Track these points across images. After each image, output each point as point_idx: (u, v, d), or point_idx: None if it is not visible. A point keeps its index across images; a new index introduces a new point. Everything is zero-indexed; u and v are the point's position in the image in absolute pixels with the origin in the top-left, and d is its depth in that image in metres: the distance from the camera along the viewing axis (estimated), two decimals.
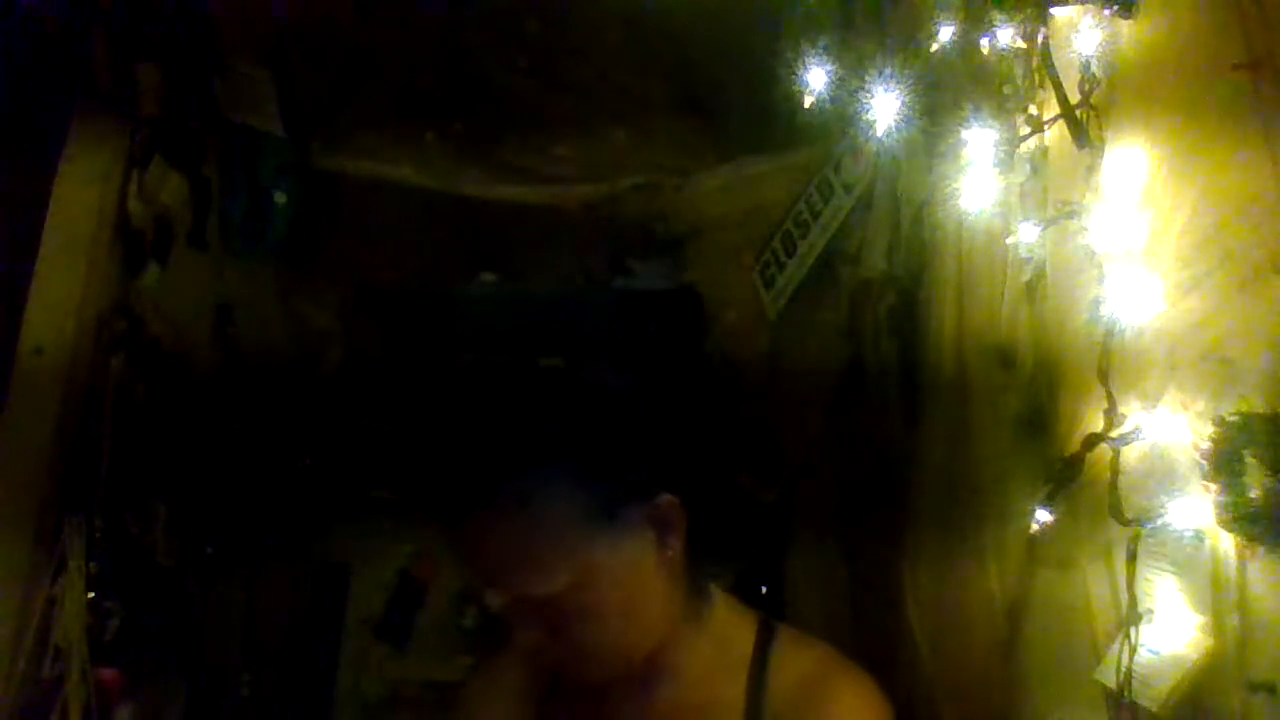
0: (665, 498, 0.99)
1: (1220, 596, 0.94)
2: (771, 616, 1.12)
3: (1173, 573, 0.99)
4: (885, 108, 1.30)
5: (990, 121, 1.27)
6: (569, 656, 0.99)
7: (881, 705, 1.04)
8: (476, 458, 0.94)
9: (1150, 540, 1.00)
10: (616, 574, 0.97)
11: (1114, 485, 1.03)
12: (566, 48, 2.07)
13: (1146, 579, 1.01)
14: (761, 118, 2.13)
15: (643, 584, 1.01)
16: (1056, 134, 1.24)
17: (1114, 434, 1.04)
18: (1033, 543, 1.26)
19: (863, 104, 1.31)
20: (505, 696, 1.15)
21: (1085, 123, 1.13)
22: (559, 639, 0.96)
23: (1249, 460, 0.88)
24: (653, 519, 0.99)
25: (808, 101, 1.48)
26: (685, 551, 1.02)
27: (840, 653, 1.08)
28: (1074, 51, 1.15)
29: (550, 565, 0.92)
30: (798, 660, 1.06)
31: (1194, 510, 0.95)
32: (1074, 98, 1.15)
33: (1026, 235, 1.23)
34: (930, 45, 1.39)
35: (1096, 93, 1.12)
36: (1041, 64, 1.23)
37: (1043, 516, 1.16)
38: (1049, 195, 1.26)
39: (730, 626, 1.09)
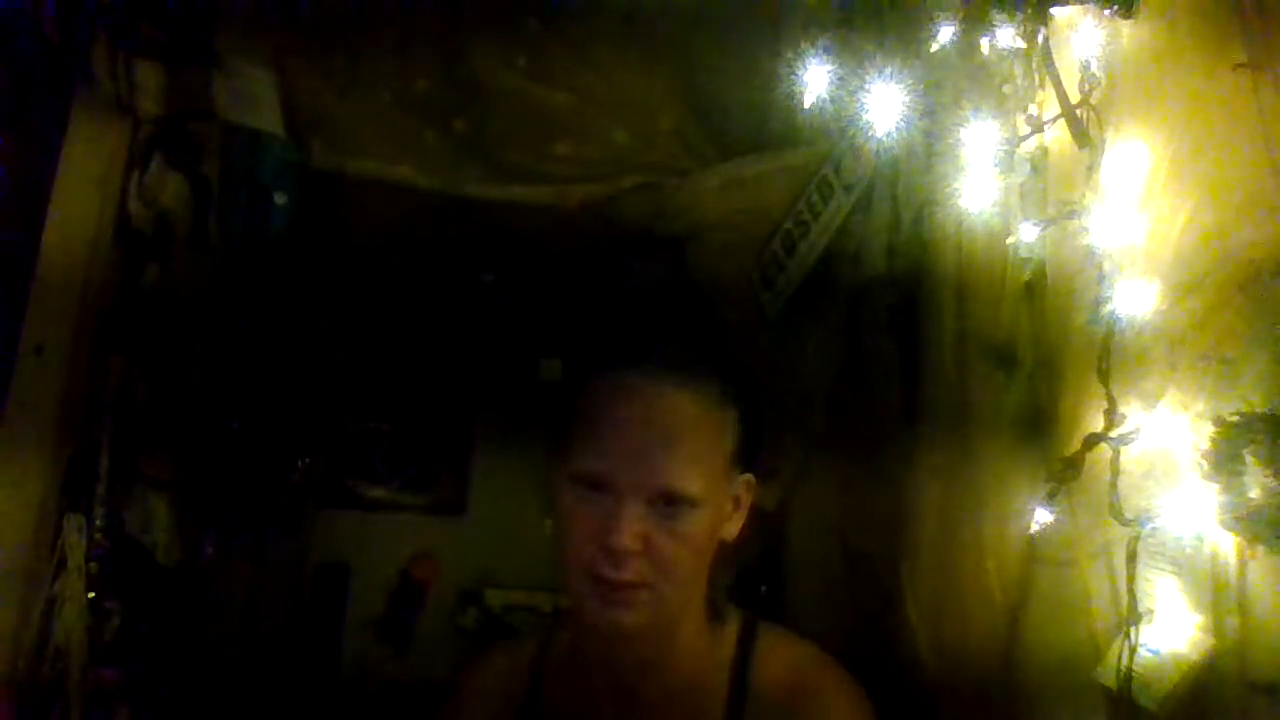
0: (749, 475, 1.07)
1: (1220, 596, 0.94)
2: (763, 616, 1.13)
3: (1173, 573, 0.99)
4: (885, 108, 1.30)
5: (990, 121, 1.27)
6: (636, 611, 0.99)
7: (864, 702, 1.04)
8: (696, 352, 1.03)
9: (1150, 540, 1.00)
10: (712, 523, 1.02)
11: (1114, 485, 1.03)
12: (566, 48, 2.06)
13: (1146, 579, 1.01)
14: (761, 118, 2.13)
15: (711, 553, 1.05)
16: (1056, 134, 1.24)
17: (1114, 434, 1.04)
18: (1033, 542, 1.26)
19: (863, 104, 1.31)
20: (492, 695, 1.15)
21: (1085, 123, 1.13)
22: (640, 590, 0.98)
23: (1249, 460, 0.88)
24: (735, 493, 1.06)
25: (808, 101, 1.48)
26: (730, 543, 1.06)
27: (823, 650, 1.09)
28: (1074, 51, 1.15)
29: (702, 466, 0.99)
30: (781, 657, 1.07)
31: (1194, 510, 0.95)
32: (1074, 98, 1.15)
33: (1026, 235, 1.23)
34: (930, 45, 1.39)
35: (1096, 93, 1.12)
36: (1041, 64, 1.23)
37: (1043, 516, 1.16)
38: (1049, 195, 1.26)
39: (718, 621, 1.10)
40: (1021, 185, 1.28)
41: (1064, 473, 1.14)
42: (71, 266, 1.72)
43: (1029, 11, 1.22)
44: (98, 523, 1.71)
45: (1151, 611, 1.00)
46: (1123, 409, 1.04)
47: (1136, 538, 1.00)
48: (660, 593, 0.98)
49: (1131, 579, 1.00)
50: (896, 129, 1.31)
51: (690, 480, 0.97)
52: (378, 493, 3.28)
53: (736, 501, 1.06)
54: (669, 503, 0.97)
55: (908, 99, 1.29)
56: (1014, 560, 1.33)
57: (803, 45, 1.48)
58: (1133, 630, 0.99)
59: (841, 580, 1.94)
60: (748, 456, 1.06)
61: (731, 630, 1.09)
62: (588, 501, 0.98)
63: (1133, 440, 1.03)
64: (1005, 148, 1.26)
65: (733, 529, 1.06)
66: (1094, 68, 1.12)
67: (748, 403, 1.05)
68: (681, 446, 0.98)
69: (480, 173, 2.18)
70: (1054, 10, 1.20)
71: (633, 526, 0.95)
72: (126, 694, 1.75)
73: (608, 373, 1.01)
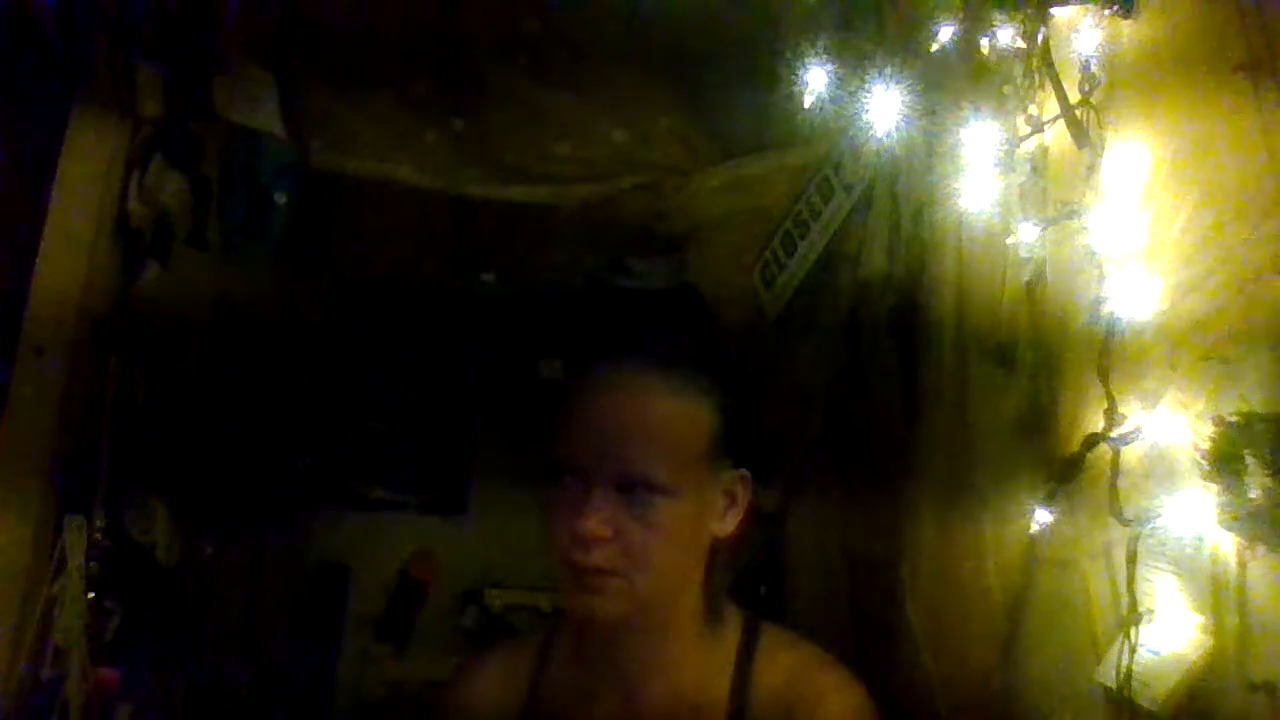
0: (743, 470, 1.05)
1: (1220, 596, 0.94)
2: (763, 616, 1.12)
3: (1173, 573, 0.99)
4: (885, 108, 1.31)
5: (990, 121, 1.27)
6: (610, 600, 0.99)
7: (867, 705, 1.04)
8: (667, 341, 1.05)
9: (1150, 540, 1.00)
10: (691, 514, 1.01)
11: (1114, 485, 1.03)
12: (566, 48, 2.07)
13: (1146, 579, 1.01)
14: (761, 118, 2.13)
15: (697, 548, 1.05)
16: (1056, 134, 1.24)
17: (1114, 434, 1.04)
18: (1033, 542, 1.26)
19: (863, 104, 1.31)
20: (491, 697, 1.15)
21: (1085, 123, 1.13)
22: (613, 578, 0.97)
23: (1249, 460, 0.88)
24: (727, 488, 1.04)
25: (808, 101, 1.48)
26: (729, 543, 1.05)
27: (826, 652, 1.08)
28: (1074, 51, 1.15)
29: (670, 453, 0.98)
30: (784, 658, 1.06)
31: (1194, 510, 0.95)
32: (1074, 98, 1.15)
33: (1026, 235, 1.24)
34: (930, 45, 1.39)
35: (1096, 93, 1.12)
36: (1041, 64, 1.23)
37: (1043, 516, 1.17)
38: (1049, 195, 1.26)
39: (717, 623, 1.10)
40: (1021, 185, 1.28)
41: (1064, 473, 1.14)
42: (71, 267, 1.72)
43: (1029, 11, 1.22)
44: (98, 523, 1.71)
45: (1151, 611, 1.00)
46: (1123, 409, 1.04)
47: (1136, 538, 1.00)
48: (634, 582, 0.98)
49: (1131, 579, 1.00)
50: (896, 129, 1.31)
51: (657, 467, 0.97)
52: (378, 493, 3.29)
53: (731, 497, 1.05)
54: (638, 489, 0.97)
55: (908, 99, 1.29)
56: (1014, 560, 1.33)
57: (803, 45, 1.48)
58: (1133, 630, 0.99)
59: (841, 580, 1.94)
60: (735, 450, 1.05)
61: (733, 632, 1.09)
62: (564, 488, 0.99)
63: (1133, 440, 1.03)
64: (1005, 148, 1.26)
65: (726, 526, 1.05)
66: (1094, 68, 1.12)
67: (729, 393, 1.04)
68: (649, 433, 0.98)
69: (480, 173, 2.18)
70: (1054, 10, 1.21)
71: (600, 511, 0.96)
72: (126, 694, 1.75)
73: (590, 368, 1.04)
